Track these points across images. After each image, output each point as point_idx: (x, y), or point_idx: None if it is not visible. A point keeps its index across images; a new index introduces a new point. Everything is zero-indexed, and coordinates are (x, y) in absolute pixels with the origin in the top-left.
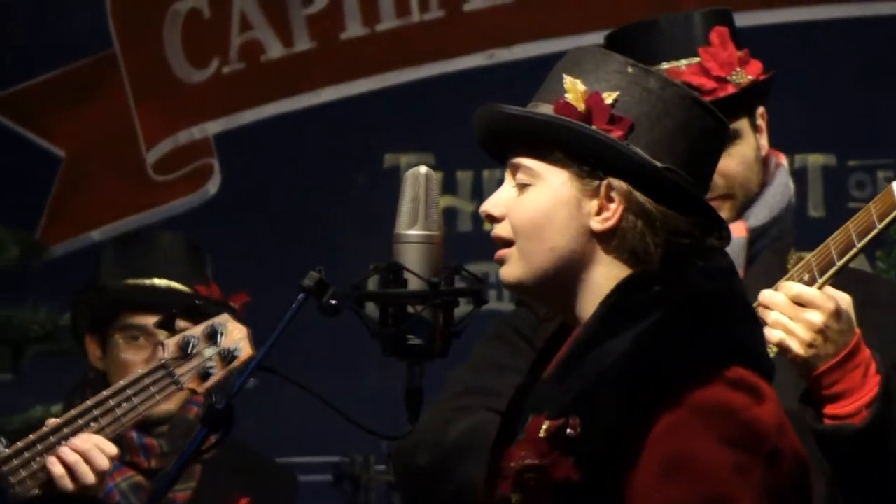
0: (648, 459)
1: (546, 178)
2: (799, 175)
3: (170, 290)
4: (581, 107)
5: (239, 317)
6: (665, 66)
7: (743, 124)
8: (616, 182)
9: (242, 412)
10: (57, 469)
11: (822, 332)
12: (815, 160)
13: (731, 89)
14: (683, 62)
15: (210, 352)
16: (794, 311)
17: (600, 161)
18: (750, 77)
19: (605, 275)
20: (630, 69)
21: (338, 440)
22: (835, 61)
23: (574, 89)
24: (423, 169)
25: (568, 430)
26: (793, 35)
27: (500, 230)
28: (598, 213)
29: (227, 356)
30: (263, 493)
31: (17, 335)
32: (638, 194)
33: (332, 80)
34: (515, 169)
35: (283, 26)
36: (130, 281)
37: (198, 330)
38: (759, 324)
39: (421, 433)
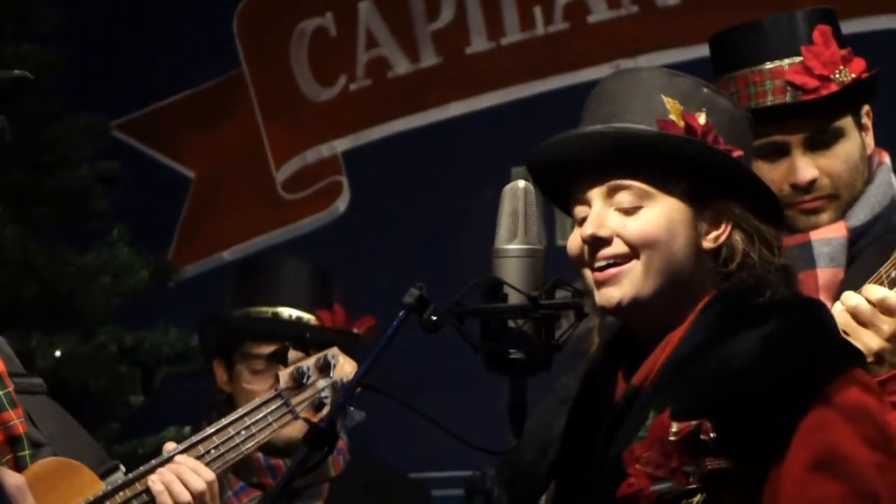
0: (796, 455)
1: (659, 199)
2: None
3: (290, 320)
4: (681, 125)
5: (358, 343)
6: (769, 65)
7: (847, 122)
8: (726, 202)
9: (377, 430)
10: (156, 486)
11: (893, 339)
12: None
13: (833, 87)
14: (786, 61)
15: (323, 383)
16: (871, 316)
17: (724, 181)
18: (853, 75)
19: (706, 285)
20: (705, 89)
21: (470, 455)
22: None
23: (675, 109)
24: (521, 183)
25: (702, 436)
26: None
27: (612, 249)
28: (709, 231)
29: (340, 387)
30: None
31: (149, 357)
32: (746, 212)
33: (459, 95)
34: (615, 190)
35: (408, 42)
36: (253, 310)
37: (311, 361)
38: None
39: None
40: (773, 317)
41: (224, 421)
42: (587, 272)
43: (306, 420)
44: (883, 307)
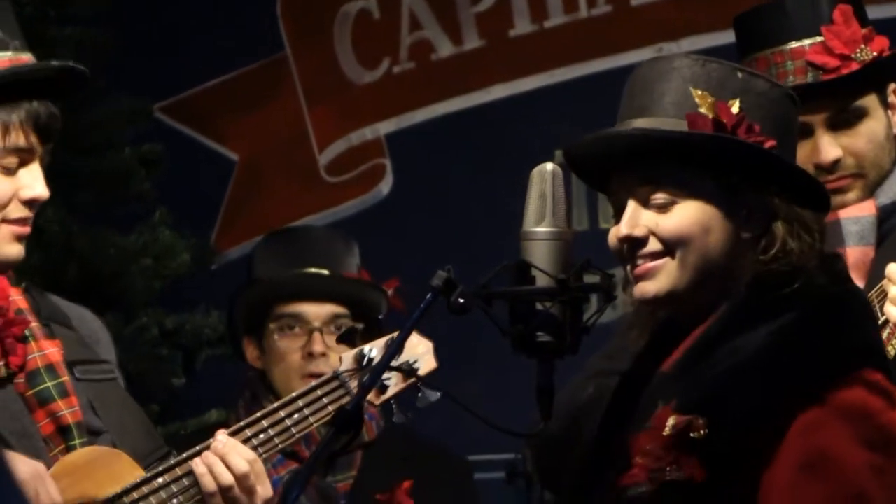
0: (786, 455)
1: (693, 195)
2: None
3: (319, 275)
4: (711, 117)
5: (385, 297)
6: (793, 44)
7: (871, 101)
8: (763, 192)
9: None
10: (199, 469)
11: None
12: None
13: (854, 66)
14: (807, 41)
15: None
16: None
17: (759, 173)
18: (874, 53)
19: (747, 273)
20: (739, 74)
21: (511, 438)
22: None
23: (706, 101)
24: (549, 166)
25: (691, 433)
26: None
27: (648, 248)
28: (747, 221)
29: (408, 369)
30: (435, 479)
31: (190, 340)
32: (784, 201)
33: (502, 78)
34: (649, 188)
35: (452, 25)
36: (282, 273)
37: (379, 343)
38: (878, 325)
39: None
40: (790, 311)
41: (276, 404)
42: (626, 267)
43: (368, 403)
44: None
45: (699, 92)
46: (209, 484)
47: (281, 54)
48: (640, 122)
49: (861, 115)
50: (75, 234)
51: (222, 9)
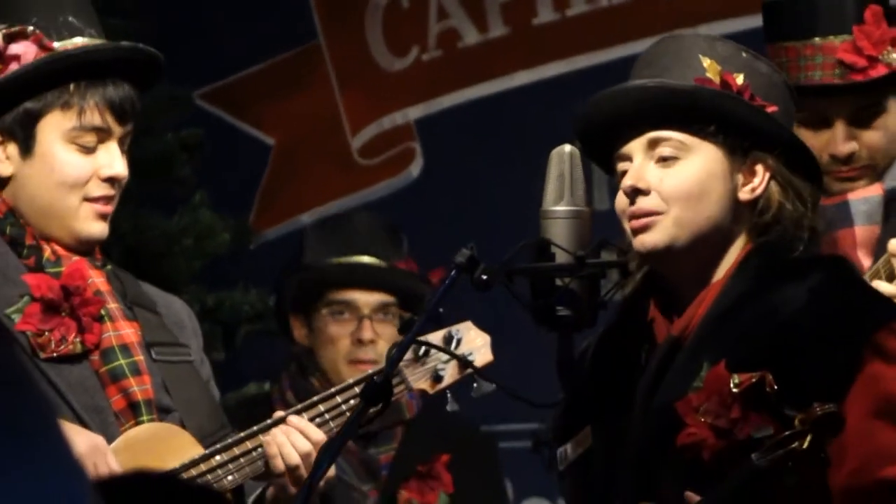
0: (856, 405)
1: (697, 151)
2: None
3: (374, 267)
4: (718, 82)
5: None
6: (818, 40)
7: (889, 99)
8: (762, 155)
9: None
10: (271, 449)
11: None
12: None
13: (881, 69)
14: (838, 39)
15: (445, 356)
16: None
17: (757, 134)
18: None
19: (742, 240)
20: (744, 54)
21: (537, 409)
22: None
23: (713, 69)
24: (567, 148)
25: (766, 388)
26: None
27: (649, 202)
28: (745, 183)
29: (464, 360)
30: (467, 454)
31: (229, 316)
32: (782, 165)
33: (526, 65)
34: (655, 143)
35: (478, 14)
36: (334, 260)
37: (438, 336)
38: None
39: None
40: (813, 270)
41: (333, 390)
42: (626, 223)
43: (422, 391)
44: None
45: (708, 61)
46: (278, 465)
47: (314, 43)
48: (649, 83)
49: (879, 111)
50: (119, 217)
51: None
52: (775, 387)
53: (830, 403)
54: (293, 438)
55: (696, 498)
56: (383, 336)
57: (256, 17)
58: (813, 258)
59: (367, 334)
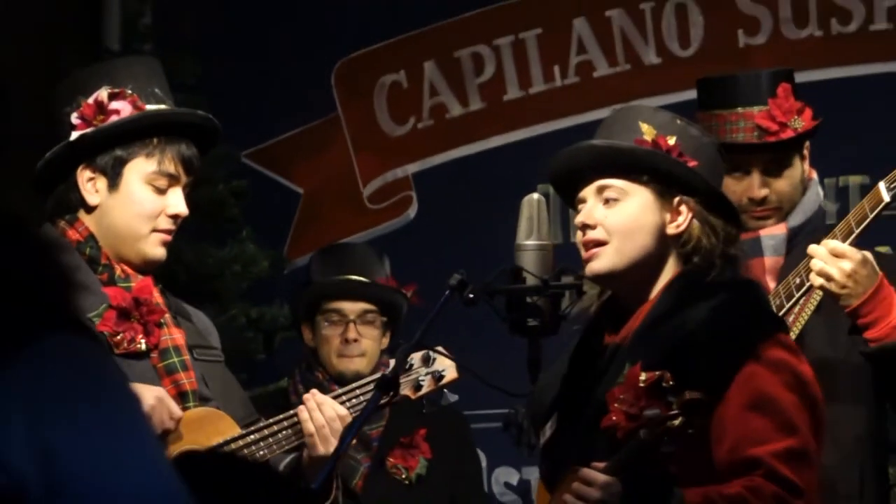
0: (735, 397)
1: (634, 195)
2: (841, 192)
3: (358, 282)
4: (651, 141)
5: (407, 301)
6: (741, 109)
7: (794, 156)
8: (686, 198)
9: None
10: (303, 414)
11: (852, 276)
12: (854, 180)
13: (790, 133)
14: (756, 108)
15: (424, 371)
16: (832, 261)
17: (680, 183)
18: (804, 123)
19: (671, 265)
20: (678, 121)
21: (507, 398)
22: (872, 105)
23: (650, 132)
24: (535, 195)
25: (663, 384)
26: (842, 87)
27: (596, 234)
28: (672, 220)
29: (438, 376)
30: (441, 427)
31: (269, 326)
32: (701, 207)
33: (498, 131)
34: (603, 189)
35: (461, 92)
36: (331, 278)
37: (419, 355)
38: None
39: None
40: (719, 292)
41: (340, 390)
42: (582, 253)
43: (406, 396)
44: (835, 254)
45: (646, 126)
46: (309, 427)
47: (335, 114)
48: (599, 143)
49: (787, 165)
50: (183, 249)
51: (291, 81)
52: (671, 382)
53: (702, 393)
54: (321, 407)
55: (601, 465)
56: (366, 336)
57: (289, 94)
58: (726, 282)
59: (351, 334)
